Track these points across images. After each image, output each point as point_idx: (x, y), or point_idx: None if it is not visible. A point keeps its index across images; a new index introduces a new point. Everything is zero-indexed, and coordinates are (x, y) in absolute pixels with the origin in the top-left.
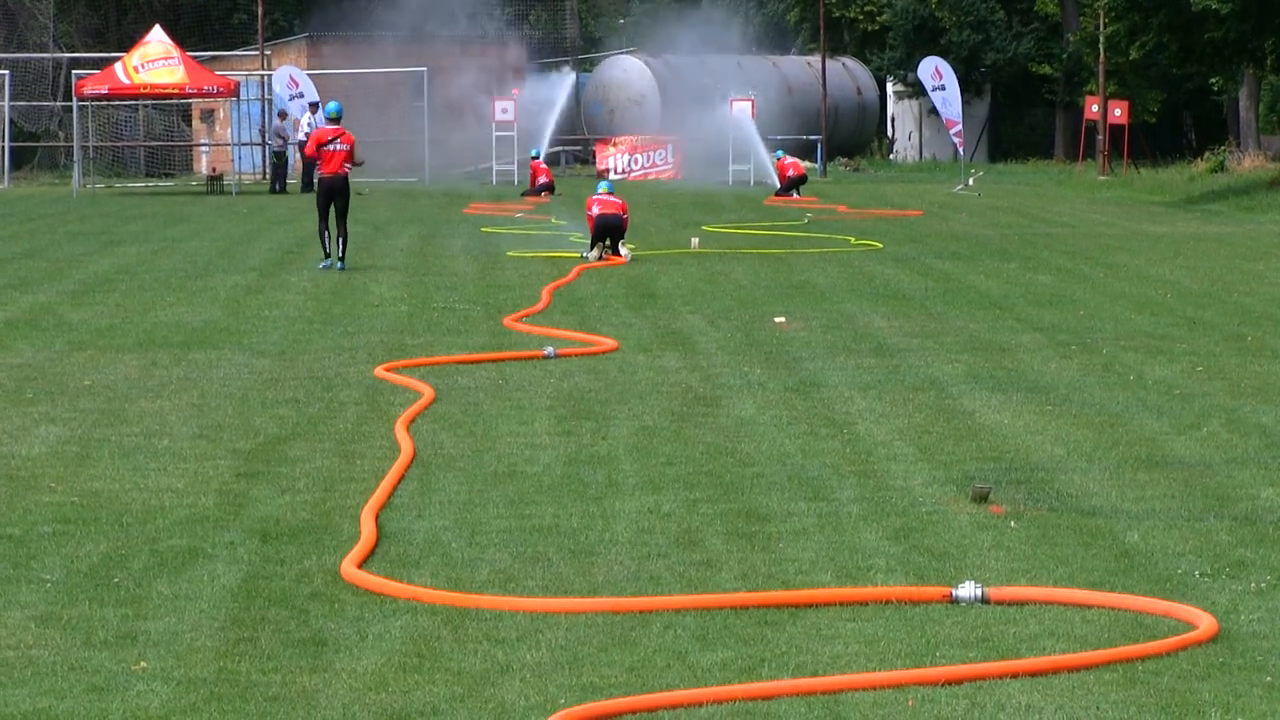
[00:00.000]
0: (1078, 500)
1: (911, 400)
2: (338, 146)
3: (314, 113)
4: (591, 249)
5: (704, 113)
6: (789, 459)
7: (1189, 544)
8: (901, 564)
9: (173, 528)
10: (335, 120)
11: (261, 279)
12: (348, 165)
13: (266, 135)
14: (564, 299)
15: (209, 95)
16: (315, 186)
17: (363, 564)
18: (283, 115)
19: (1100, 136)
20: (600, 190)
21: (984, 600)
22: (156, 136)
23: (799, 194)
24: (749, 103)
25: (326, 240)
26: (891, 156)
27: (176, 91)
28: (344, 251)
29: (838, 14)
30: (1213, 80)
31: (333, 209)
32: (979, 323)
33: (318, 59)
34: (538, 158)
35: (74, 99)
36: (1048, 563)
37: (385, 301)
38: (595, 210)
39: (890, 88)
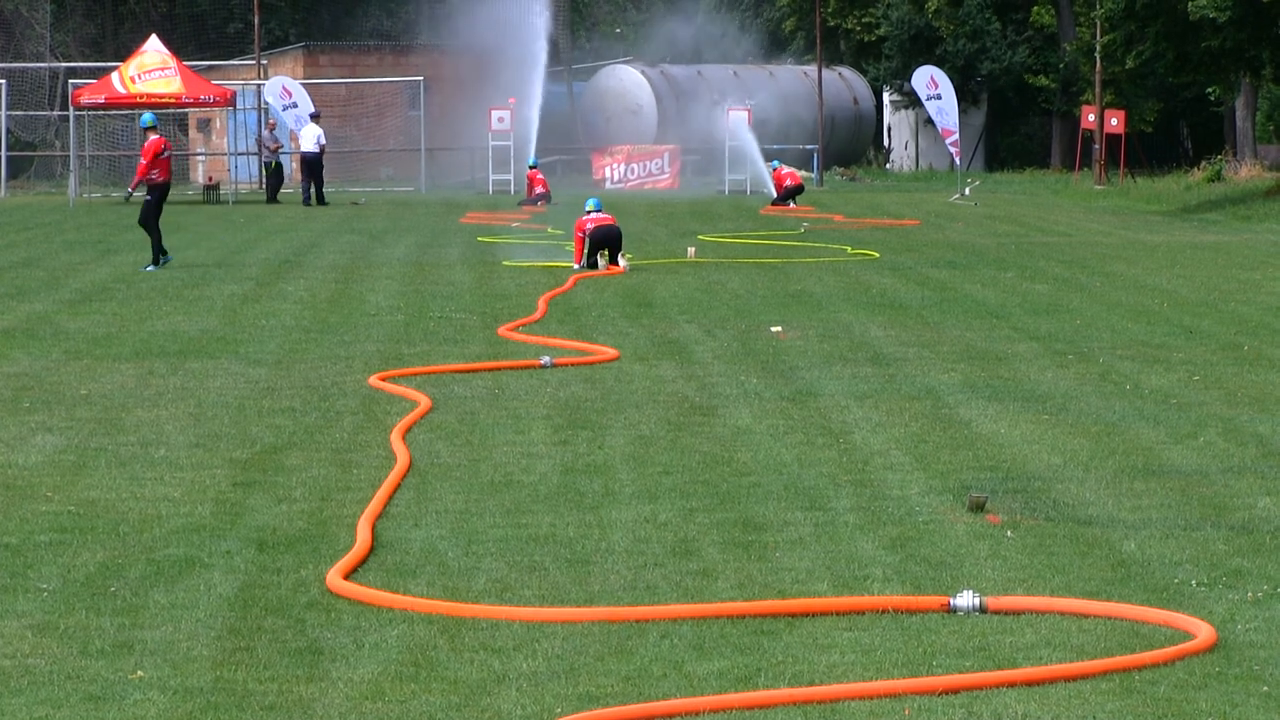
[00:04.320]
0: (1074, 509)
1: (908, 409)
2: (168, 154)
3: (315, 122)
4: (584, 262)
5: (701, 122)
6: (785, 468)
7: (1185, 553)
8: (898, 573)
9: (169, 537)
10: (155, 129)
11: (258, 288)
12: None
13: (261, 146)
14: (560, 308)
15: (205, 105)
16: (151, 194)
17: (357, 574)
18: (272, 126)
19: (1097, 146)
20: (588, 207)
21: (982, 610)
22: None
23: (795, 203)
24: (746, 112)
25: (160, 241)
26: (888, 166)
27: (173, 101)
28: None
29: (834, 24)
30: (1210, 89)
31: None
32: (975, 332)
33: (315, 68)
34: (535, 167)
35: (71, 108)
36: (1044, 572)
37: (382, 311)
38: (590, 228)
39: (887, 97)
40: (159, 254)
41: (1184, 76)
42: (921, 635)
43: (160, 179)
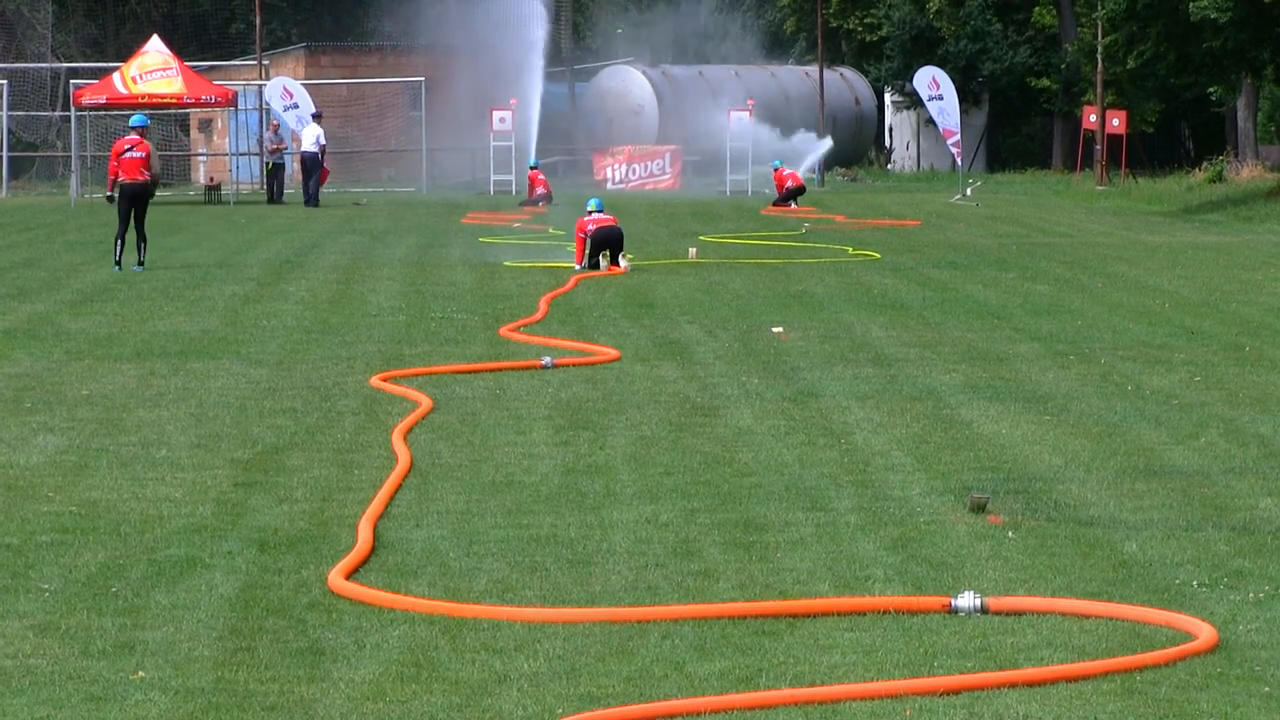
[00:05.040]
0: (1076, 510)
1: (909, 410)
2: (134, 154)
3: (317, 122)
4: (586, 263)
5: (702, 123)
6: (787, 469)
7: (1187, 554)
8: (899, 574)
9: (171, 537)
10: (138, 131)
11: (259, 289)
12: (145, 172)
13: (263, 146)
14: (562, 309)
15: (207, 105)
16: (117, 193)
17: (358, 574)
18: (275, 127)
19: (1098, 146)
20: (590, 207)
21: (983, 610)
22: (154, 146)
23: (797, 204)
24: (747, 113)
25: (119, 248)
26: (889, 166)
27: (174, 101)
28: (144, 255)
29: (836, 24)
30: (1211, 90)
31: (133, 214)
32: (977, 332)
33: (316, 69)
34: (535, 168)
35: (72, 109)
36: (1046, 573)
37: (383, 311)
38: (591, 228)
39: (888, 98)
40: (118, 258)
41: (1185, 77)
42: (923, 636)
43: (123, 178)
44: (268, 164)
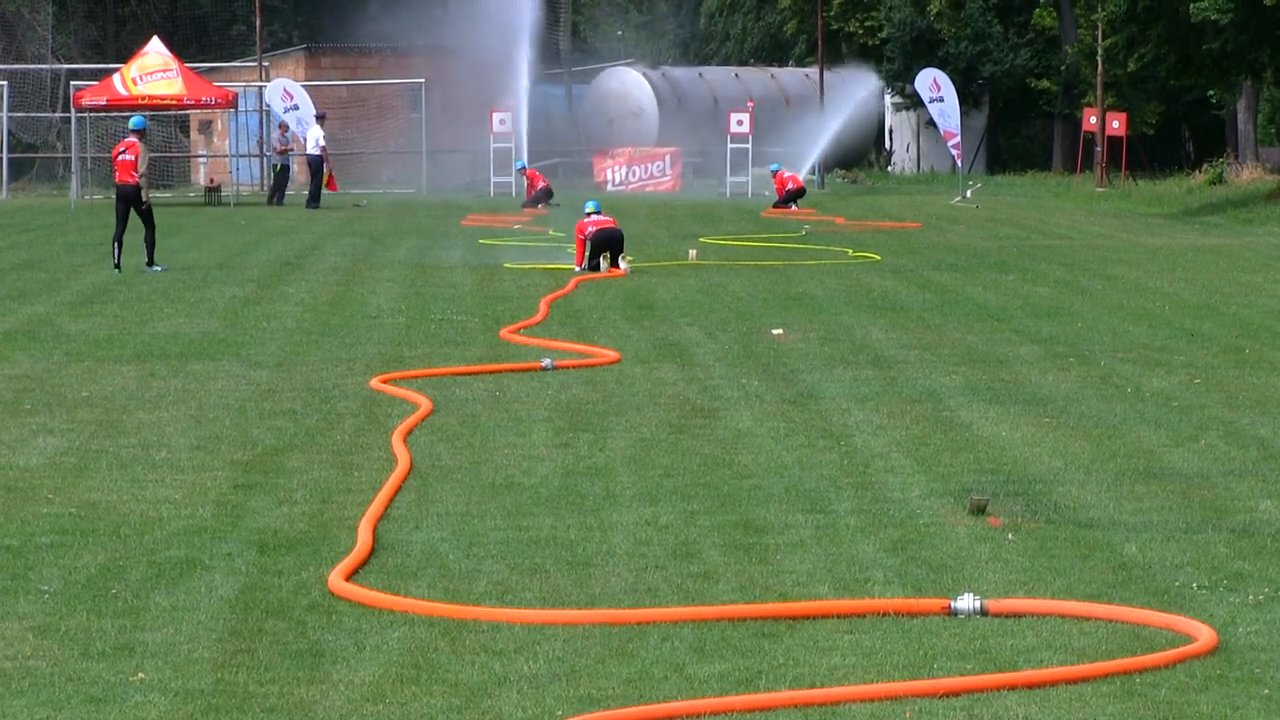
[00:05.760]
0: (1075, 512)
1: (909, 412)
2: (126, 157)
3: (320, 124)
4: (586, 265)
5: (703, 124)
6: (786, 471)
7: (1187, 556)
8: (899, 576)
9: (170, 539)
10: (135, 133)
11: (259, 290)
12: (134, 174)
13: (264, 147)
14: (562, 311)
15: (207, 107)
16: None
17: (358, 575)
18: (284, 128)
19: (1098, 148)
20: (588, 209)
21: (983, 612)
22: (154, 148)
23: (797, 206)
24: (747, 114)
25: (118, 251)
26: (889, 168)
27: (175, 103)
28: (151, 255)
29: (836, 27)
30: (1211, 92)
31: (134, 216)
32: (977, 334)
33: (316, 70)
34: (524, 169)
35: (72, 110)
36: (1045, 575)
37: (383, 313)
38: (591, 230)
39: (888, 99)
40: (117, 261)
41: (1185, 79)
42: (922, 638)
43: (117, 180)
44: (275, 165)
